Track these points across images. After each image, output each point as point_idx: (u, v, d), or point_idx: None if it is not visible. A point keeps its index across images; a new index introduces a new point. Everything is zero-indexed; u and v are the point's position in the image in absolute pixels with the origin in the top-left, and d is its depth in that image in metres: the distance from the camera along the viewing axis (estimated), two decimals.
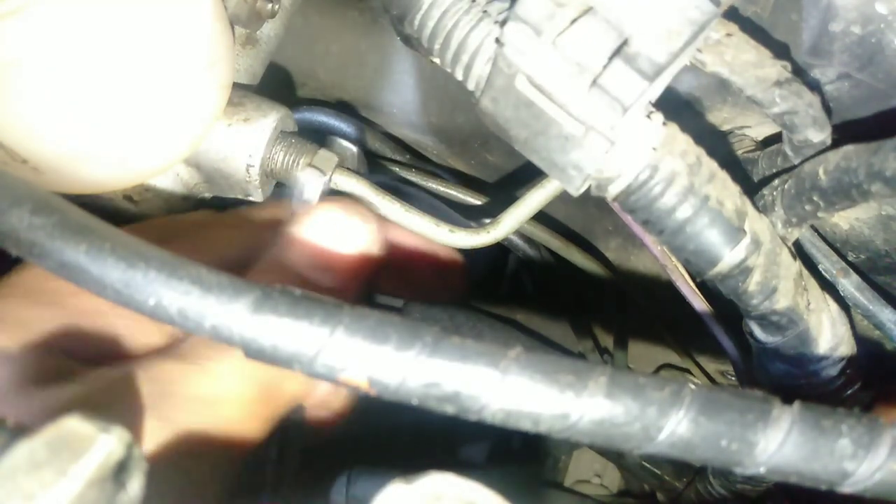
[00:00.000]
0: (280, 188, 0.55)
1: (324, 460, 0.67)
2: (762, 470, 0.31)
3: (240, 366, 0.40)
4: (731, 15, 0.44)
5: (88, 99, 0.41)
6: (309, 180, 0.50)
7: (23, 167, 0.44)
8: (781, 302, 0.41)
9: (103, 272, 0.30)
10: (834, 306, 0.45)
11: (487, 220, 0.54)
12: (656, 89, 0.38)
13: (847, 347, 0.46)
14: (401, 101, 0.75)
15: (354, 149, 0.59)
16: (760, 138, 0.52)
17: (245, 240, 0.51)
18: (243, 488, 0.50)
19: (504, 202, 0.54)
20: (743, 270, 0.40)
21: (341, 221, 0.47)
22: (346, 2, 0.71)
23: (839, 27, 0.41)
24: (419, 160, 0.78)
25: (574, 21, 0.36)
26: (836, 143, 0.43)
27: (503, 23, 0.37)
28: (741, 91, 0.42)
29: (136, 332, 0.44)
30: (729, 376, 0.77)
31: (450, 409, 0.30)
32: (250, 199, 0.52)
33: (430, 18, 0.42)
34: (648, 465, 0.64)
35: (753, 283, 0.41)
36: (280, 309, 0.30)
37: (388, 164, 0.74)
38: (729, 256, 0.40)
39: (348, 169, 0.53)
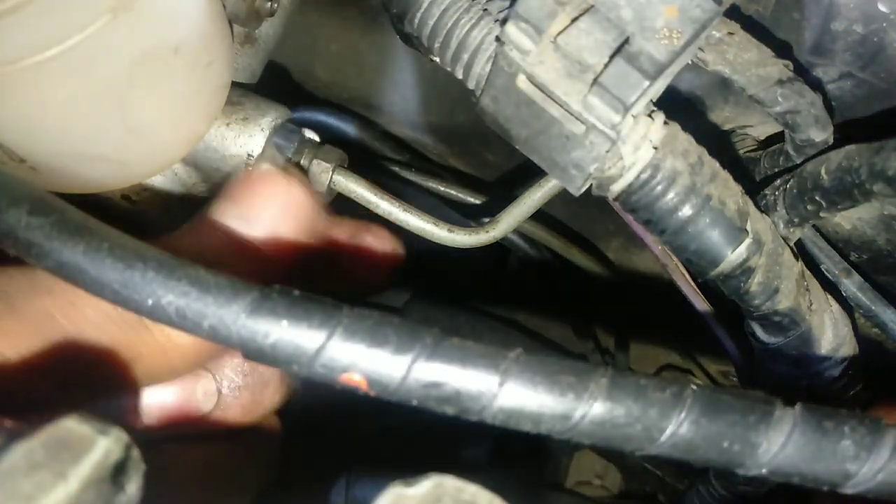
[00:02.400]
0: None
1: (324, 461, 0.67)
2: (764, 471, 0.30)
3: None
4: (733, 13, 0.44)
5: (86, 98, 0.41)
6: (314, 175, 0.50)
7: (21, 166, 0.44)
8: (783, 302, 0.41)
9: (101, 272, 0.30)
10: (836, 307, 0.45)
11: (487, 220, 0.54)
12: (658, 88, 0.38)
13: (849, 348, 0.45)
14: (400, 99, 0.75)
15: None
16: (762, 138, 0.52)
17: None
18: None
19: (504, 201, 0.54)
20: (745, 271, 0.40)
21: (251, 202, 0.45)
22: (345, 1, 0.71)
23: (841, 26, 0.41)
24: (419, 159, 0.78)
25: (575, 19, 0.36)
26: (839, 142, 0.43)
27: (503, 21, 0.37)
28: (743, 90, 0.42)
29: None
30: (731, 377, 0.76)
31: (450, 410, 0.30)
32: None
33: (429, 17, 0.42)
34: (650, 467, 0.63)
35: (755, 284, 0.40)
36: (278, 310, 0.30)
37: (387, 164, 0.74)
38: (731, 256, 0.39)
39: (348, 169, 0.52)
